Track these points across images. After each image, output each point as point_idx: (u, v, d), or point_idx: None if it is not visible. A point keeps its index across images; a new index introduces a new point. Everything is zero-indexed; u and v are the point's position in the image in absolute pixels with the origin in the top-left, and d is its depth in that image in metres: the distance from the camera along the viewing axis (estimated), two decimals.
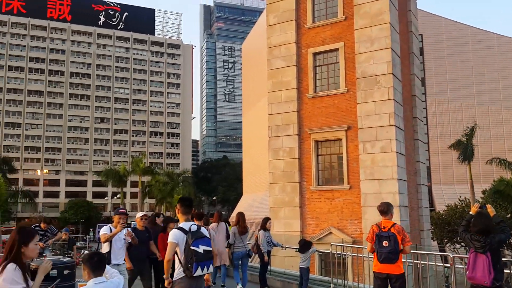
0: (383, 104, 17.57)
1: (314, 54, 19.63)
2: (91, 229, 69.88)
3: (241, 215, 10.33)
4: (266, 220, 10.47)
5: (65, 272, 5.04)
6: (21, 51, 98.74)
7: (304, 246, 10.04)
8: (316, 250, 10.85)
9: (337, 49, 19.16)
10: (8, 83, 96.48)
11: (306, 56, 19.72)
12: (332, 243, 10.92)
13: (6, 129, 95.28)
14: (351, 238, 17.17)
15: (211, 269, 5.23)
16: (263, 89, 38.61)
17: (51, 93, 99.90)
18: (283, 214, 19.15)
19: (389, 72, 17.64)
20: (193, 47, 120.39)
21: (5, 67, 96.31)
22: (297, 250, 10.26)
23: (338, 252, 10.30)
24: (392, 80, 17.59)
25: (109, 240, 7.00)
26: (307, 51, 19.73)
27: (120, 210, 7.40)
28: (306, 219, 18.79)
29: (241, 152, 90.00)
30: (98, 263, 3.81)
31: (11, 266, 3.59)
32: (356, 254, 10.03)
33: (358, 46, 18.38)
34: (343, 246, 10.67)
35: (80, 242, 51.37)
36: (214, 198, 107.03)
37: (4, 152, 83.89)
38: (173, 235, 5.15)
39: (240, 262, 10.22)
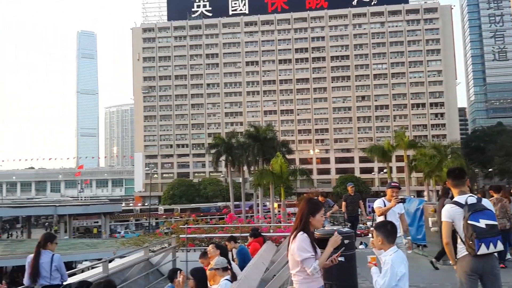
0: None
1: None
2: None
3: None
4: None
5: (346, 241, 5.51)
6: (287, 44, 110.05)
7: None
8: None
9: None
10: (279, 75, 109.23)
11: None
12: None
13: (282, 116, 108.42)
14: None
15: (500, 246, 4.51)
16: None
17: (316, 79, 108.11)
18: None
19: None
20: (452, 7, 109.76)
21: (275, 61, 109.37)
22: None
23: None
24: None
25: (384, 213, 7.02)
26: None
27: (392, 184, 7.37)
28: None
29: None
30: (391, 231, 4.01)
31: (302, 235, 3.90)
32: None
33: None
34: None
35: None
36: (490, 170, 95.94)
37: (282, 136, 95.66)
38: (446, 212, 4.65)
39: None
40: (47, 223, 64.85)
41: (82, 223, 71.11)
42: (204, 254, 7.82)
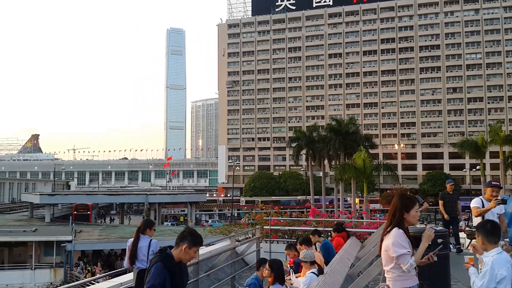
0: None
1: None
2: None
3: None
4: None
5: (439, 240, 5.28)
6: (372, 35, 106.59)
7: None
8: None
9: None
10: (363, 67, 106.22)
11: None
12: None
13: (365, 109, 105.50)
14: None
15: None
16: None
17: (403, 70, 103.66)
18: None
19: None
20: None
21: (360, 53, 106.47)
22: None
23: None
24: None
25: (482, 215, 6.53)
26: None
27: (493, 183, 6.83)
28: None
29: None
30: (491, 231, 3.79)
31: (397, 231, 3.79)
32: None
33: None
34: None
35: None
36: None
37: (365, 130, 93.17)
38: None
39: None
40: (145, 210, 69.44)
41: (170, 211, 75.00)
42: (290, 246, 7.92)
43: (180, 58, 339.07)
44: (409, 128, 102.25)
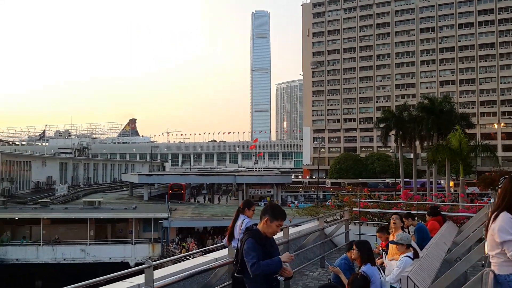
0: None
1: None
2: None
3: None
4: None
5: None
6: (469, 6, 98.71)
7: None
8: None
9: None
10: (459, 41, 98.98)
11: None
12: None
13: (461, 86, 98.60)
14: None
15: None
16: None
17: (503, 43, 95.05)
18: None
19: None
20: None
21: (455, 26, 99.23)
22: None
23: None
24: None
25: None
26: None
27: None
28: None
29: None
30: None
31: (505, 215, 3.60)
32: None
33: None
34: None
35: None
36: None
37: (461, 108, 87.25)
38: None
39: None
40: (233, 191, 72.15)
41: (256, 191, 76.77)
42: (382, 229, 7.78)
43: (265, 40, 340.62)
44: (510, 106, 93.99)
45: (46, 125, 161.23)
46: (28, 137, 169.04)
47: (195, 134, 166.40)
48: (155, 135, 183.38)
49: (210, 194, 78.15)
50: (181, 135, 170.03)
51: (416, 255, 5.89)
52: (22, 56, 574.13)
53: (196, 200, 73.72)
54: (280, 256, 4.26)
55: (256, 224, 4.47)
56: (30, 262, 37.63)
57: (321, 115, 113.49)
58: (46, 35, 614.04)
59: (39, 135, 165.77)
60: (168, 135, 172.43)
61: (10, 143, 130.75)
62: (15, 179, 58.03)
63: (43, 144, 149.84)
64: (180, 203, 55.55)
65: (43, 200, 47.32)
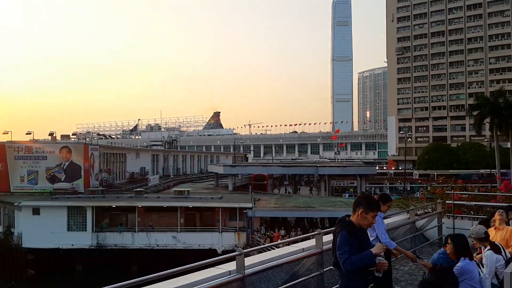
0: None
1: None
2: None
3: None
4: None
5: None
6: None
7: None
8: None
9: None
10: None
11: None
12: None
13: None
14: None
15: None
16: None
17: None
18: None
19: None
20: None
21: None
22: None
23: None
24: None
25: None
26: None
27: None
28: None
29: None
30: None
31: None
32: None
33: None
34: None
35: None
36: None
37: None
38: None
39: None
40: (315, 182, 71.80)
41: (339, 183, 75.61)
42: (483, 222, 7.38)
43: (346, 28, 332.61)
44: None
45: (139, 119, 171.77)
46: (123, 130, 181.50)
47: (276, 125, 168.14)
48: (237, 127, 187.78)
49: (292, 185, 78.40)
50: (263, 127, 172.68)
51: (496, 250, 5.65)
52: (120, 57, 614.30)
53: (283, 190, 74.16)
54: (371, 249, 4.13)
55: (348, 216, 4.40)
56: (127, 248, 40.56)
57: (408, 103, 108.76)
58: (138, 38, 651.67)
59: (133, 128, 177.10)
60: (250, 127, 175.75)
61: (107, 136, 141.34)
62: (112, 170, 62.65)
63: (136, 137, 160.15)
64: (263, 193, 56.42)
65: (137, 189, 50.67)
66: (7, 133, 52.47)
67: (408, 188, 70.35)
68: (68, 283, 37.58)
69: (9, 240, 41.45)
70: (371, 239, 4.84)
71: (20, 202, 41.15)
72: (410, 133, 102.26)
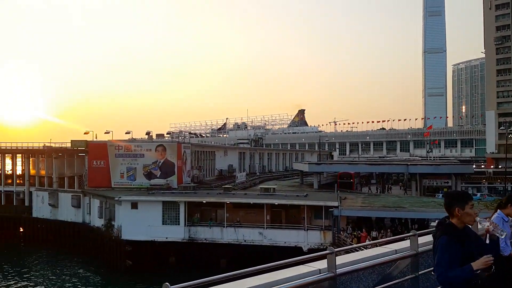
0: None
1: None
2: None
3: None
4: None
5: None
6: None
7: None
8: None
9: None
10: None
11: None
12: None
13: None
14: None
15: None
16: None
17: None
18: None
19: None
20: None
21: None
22: None
23: None
24: None
25: None
26: None
27: None
28: None
29: None
30: None
31: None
32: None
33: None
34: None
35: None
36: None
37: None
38: None
39: None
40: (405, 181, 68.94)
41: (431, 182, 71.81)
42: None
43: (439, 18, 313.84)
44: None
45: (227, 118, 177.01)
46: (211, 129, 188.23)
47: (362, 122, 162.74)
48: (322, 125, 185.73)
49: (380, 184, 75.97)
50: (348, 124, 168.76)
51: None
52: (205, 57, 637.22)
53: (370, 189, 72.24)
54: (472, 264, 3.67)
55: (448, 217, 4.15)
56: (216, 242, 42.17)
57: (508, 96, 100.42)
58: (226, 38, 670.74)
59: (221, 126, 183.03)
60: (335, 124, 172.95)
61: (198, 135, 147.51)
62: (202, 167, 65.38)
63: (224, 135, 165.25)
64: (349, 192, 55.39)
65: (226, 186, 52.41)
66: (108, 132, 56.77)
67: (509, 188, 65.06)
68: (163, 275, 39.85)
69: (110, 232, 45.11)
70: (502, 236, 4.23)
71: (120, 197, 44.52)
72: (511, 128, 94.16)
